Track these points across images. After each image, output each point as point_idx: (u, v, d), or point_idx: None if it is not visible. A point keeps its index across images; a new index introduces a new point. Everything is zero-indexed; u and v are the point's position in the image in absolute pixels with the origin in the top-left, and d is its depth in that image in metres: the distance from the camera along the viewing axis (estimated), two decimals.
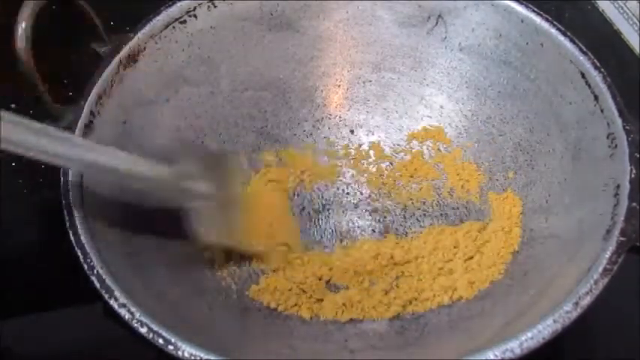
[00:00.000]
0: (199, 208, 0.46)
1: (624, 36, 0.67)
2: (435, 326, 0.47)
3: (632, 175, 0.42)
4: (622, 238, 0.39)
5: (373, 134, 0.59)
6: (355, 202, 0.56)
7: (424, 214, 0.55)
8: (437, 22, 0.56)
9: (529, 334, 0.36)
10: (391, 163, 0.57)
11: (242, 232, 0.50)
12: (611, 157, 0.45)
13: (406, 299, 0.49)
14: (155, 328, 0.36)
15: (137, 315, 0.37)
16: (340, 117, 0.59)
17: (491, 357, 0.35)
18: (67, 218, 0.41)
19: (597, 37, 0.67)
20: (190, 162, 0.46)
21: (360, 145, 0.58)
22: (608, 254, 0.39)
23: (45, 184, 0.55)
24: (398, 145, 0.58)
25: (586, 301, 0.37)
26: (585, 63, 0.48)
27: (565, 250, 0.44)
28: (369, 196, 0.56)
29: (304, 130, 0.58)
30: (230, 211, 0.49)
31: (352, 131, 0.59)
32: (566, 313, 0.37)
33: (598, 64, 0.48)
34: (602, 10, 0.69)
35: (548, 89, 0.51)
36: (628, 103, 0.46)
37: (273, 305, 0.49)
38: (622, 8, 0.66)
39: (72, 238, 0.40)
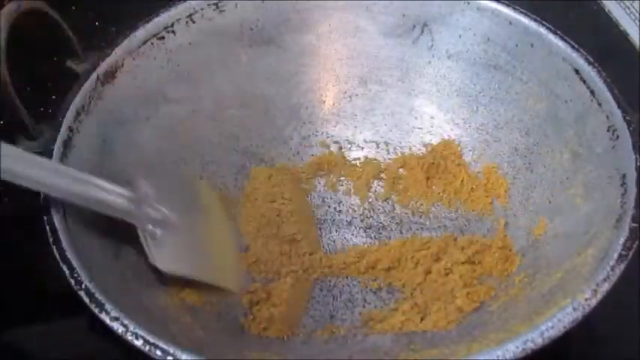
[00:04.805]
0: (159, 234, 0.46)
1: (630, 37, 0.69)
2: (443, 337, 0.46)
3: (638, 163, 0.43)
4: (634, 224, 0.40)
5: (362, 149, 0.59)
6: (348, 219, 0.56)
7: (421, 228, 0.55)
8: (422, 31, 0.57)
9: (549, 324, 0.36)
10: (382, 179, 0.58)
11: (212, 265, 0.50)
12: (613, 148, 0.45)
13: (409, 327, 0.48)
14: (152, 339, 0.35)
15: (131, 327, 0.36)
16: (327, 133, 0.59)
17: (512, 348, 0.35)
18: (50, 234, 0.40)
19: (603, 38, 0.69)
20: (154, 184, 0.47)
21: (349, 161, 0.58)
22: (621, 241, 0.39)
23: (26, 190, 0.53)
24: (389, 158, 0.58)
25: (604, 287, 0.37)
26: (578, 59, 0.49)
27: (575, 246, 0.44)
28: (363, 212, 0.56)
29: (291, 149, 0.58)
30: (196, 241, 0.49)
31: (341, 148, 0.59)
32: (585, 301, 0.37)
33: (591, 60, 0.49)
34: (609, 11, 0.71)
35: (542, 90, 0.52)
36: (633, 103, 0.47)
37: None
38: (628, 9, 0.67)
39: (56, 253, 0.39)
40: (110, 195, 0.44)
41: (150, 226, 0.46)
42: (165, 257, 0.45)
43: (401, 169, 0.58)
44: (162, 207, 0.47)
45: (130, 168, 0.49)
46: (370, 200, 0.57)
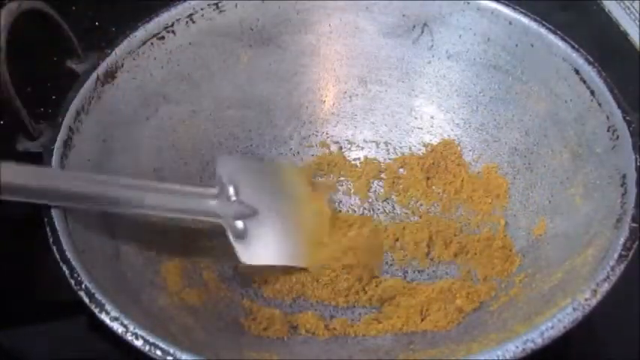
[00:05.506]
0: (243, 227, 0.48)
1: (630, 37, 0.69)
2: (443, 337, 0.46)
3: (638, 163, 0.43)
4: (634, 225, 0.40)
5: (362, 149, 0.59)
6: None
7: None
8: (422, 31, 0.57)
9: (549, 324, 0.36)
10: (382, 179, 0.58)
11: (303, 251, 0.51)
12: (613, 149, 0.45)
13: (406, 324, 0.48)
14: (152, 340, 0.36)
15: (131, 328, 0.36)
16: (327, 133, 0.59)
17: (512, 348, 0.35)
18: (50, 234, 0.40)
19: (603, 38, 0.69)
20: (236, 175, 0.49)
21: (349, 161, 0.59)
22: (621, 241, 0.39)
23: None
24: (389, 158, 0.58)
25: (604, 287, 0.38)
26: (578, 59, 0.50)
27: (575, 246, 0.44)
28: (363, 212, 0.56)
29: (291, 149, 0.59)
30: (281, 228, 0.50)
31: (341, 148, 0.59)
32: (585, 301, 0.37)
33: (591, 60, 0.49)
34: (609, 11, 0.71)
35: (542, 90, 0.52)
36: (633, 104, 0.47)
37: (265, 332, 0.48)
38: (628, 9, 0.67)
39: (56, 253, 0.39)
40: (195, 199, 0.47)
41: (236, 223, 0.48)
42: (249, 251, 0.48)
43: (401, 169, 0.58)
44: (246, 197, 0.49)
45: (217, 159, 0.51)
46: (370, 200, 0.57)
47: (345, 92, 0.59)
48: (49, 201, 0.41)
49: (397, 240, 0.54)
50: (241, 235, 0.48)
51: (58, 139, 0.45)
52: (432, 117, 0.58)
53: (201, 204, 0.47)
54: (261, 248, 0.48)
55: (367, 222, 0.55)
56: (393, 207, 0.56)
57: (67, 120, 0.46)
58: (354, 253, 0.51)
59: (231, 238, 0.47)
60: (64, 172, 0.43)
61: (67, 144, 0.45)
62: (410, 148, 0.58)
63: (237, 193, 0.49)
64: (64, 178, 0.42)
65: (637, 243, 0.39)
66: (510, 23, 0.53)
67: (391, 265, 0.53)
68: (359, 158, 0.59)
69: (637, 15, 0.67)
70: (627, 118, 0.45)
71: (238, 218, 0.48)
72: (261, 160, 0.57)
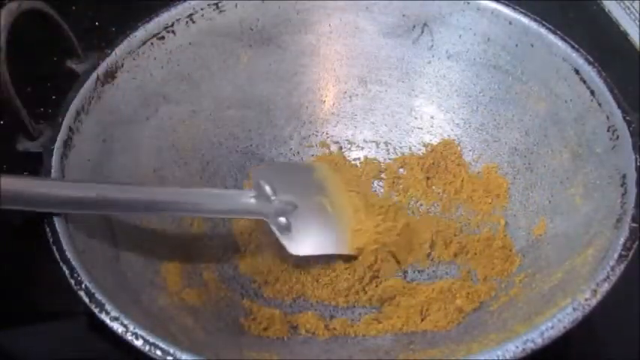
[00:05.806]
0: (287, 223, 0.50)
1: (630, 37, 0.69)
2: (443, 337, 0.46)
3: (638, 163, 0.43)
4: (634, 225, 0.40)
5: (362, 149, 0.59)
6: None
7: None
8: (422, 31, 0.57)
9: (549, 324, 0.36)
10: (382, 179, 0.58)
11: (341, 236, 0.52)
12: (613, 148, 0.45)
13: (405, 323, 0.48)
14: (152, 339, 0.35)
15: (131, 327, 0.36)
16: (327, 133, 0.59)
17: (512, 348, 0.35)
18: (50, 235, 0.40)
19: (603, 38, 0.69)
20: (272, 177, 0.52)
21: (349, 161, 0.59)
22: (621, 241, 0.39)
23: None
24: (389, 158, 0.58)
25: (604, 287, 0.37)
26: (578, 59, 0.50)
27: (575, 246, 0.44)
28: None
29: (290, 149, 0.59)
30: (321, 219, 0.52)
31: (341, 148, 0.59)
32: (585, 301, 0.37)
33: (591, 60, 0.49)
34: (609, 11, 0.71)
35: (542, 90, 0.52)
36: (633, 104, 0.47)
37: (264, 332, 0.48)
38: (628, 9, 0.67)
39: (56, 253, 0.39)
40: (241, 199, 0.50)
41: (280, 219, 0.50)
42: (296, 243, 0.50)
43: (401, 169, 0.58)
44: (285, 196, 0.51)
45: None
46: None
47: (345, 92, 0.59)
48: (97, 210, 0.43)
49: None
50: (286, 230, 0.50)
51: (58, 139, 0.45)
52: (432, 117, 0.58)
53: (248, 205, 0.49)
54: (307, 239, 0.51)
55: (399, 212, 0.55)
56: None
57: (67, 120, 0.46)
58: (380, 251, 0.52)
59: (277, 233, 0.50)
60: (113, 184, 0.46)
61: (67, 144, 0.45)
62: (410, 148, 0.58)
63: (274, 192, 0.51)
64: (114, 188, 0.44)
65: (637, 243, 0.39)
66: (510, 23, 0.53)
67: None
68: (359, 158, 0.59)
69: (637, 15, 0.67)
70: (627, 118, 0.45)
71: (280, 215, 0.50)
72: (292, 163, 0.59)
